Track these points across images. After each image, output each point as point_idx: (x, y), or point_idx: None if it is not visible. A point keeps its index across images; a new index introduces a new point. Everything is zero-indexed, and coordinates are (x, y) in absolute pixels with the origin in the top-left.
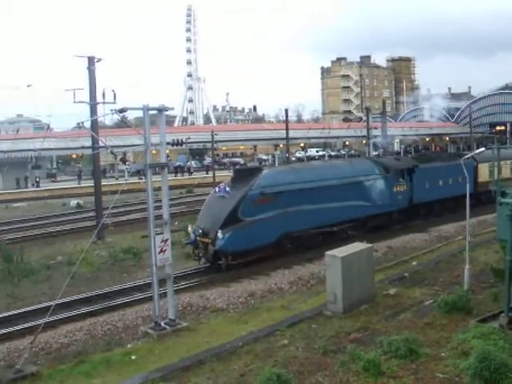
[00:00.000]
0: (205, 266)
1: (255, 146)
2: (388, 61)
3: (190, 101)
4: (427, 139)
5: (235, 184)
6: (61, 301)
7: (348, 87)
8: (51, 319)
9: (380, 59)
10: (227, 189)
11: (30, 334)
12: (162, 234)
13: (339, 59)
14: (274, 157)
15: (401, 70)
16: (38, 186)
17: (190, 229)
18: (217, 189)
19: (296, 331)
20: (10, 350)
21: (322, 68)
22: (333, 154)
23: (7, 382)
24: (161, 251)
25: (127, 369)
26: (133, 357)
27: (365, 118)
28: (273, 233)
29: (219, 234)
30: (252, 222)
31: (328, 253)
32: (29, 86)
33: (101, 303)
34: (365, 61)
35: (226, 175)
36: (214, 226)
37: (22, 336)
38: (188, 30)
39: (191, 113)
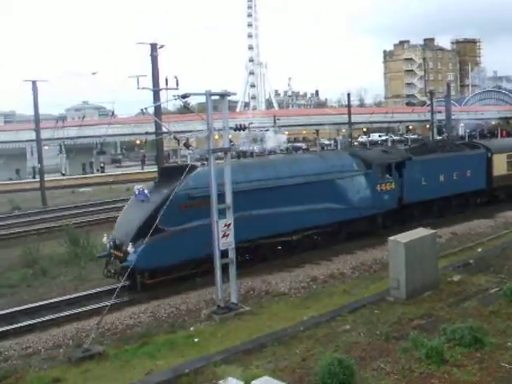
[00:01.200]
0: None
1: (317, 131)
2: (452, 43)
3: (252, 86)
4: (493, 123)
5: (159, 185)
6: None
7: (411, 71)
8: (117, 301)
9: (444, 42)
10: (146, 192)
11: (96, 315)
12: (225, 218)
13: (402, 42)
14: (336, 142)
15: (466, 52)
16: (102, 172)
17: (105, 239)
18: (136, 191)
19: (358, 316)
20: (78, 330)
21: (385, 51)
22: (396, 138)
23: (76, 360)
24: (224, 235)
25: (190, 351)
26: (195, 339)
27: (428, 102)
28: (207, 244)
29: (129, 248)
30: (177, 232)
31: (391, 238)
32: (94, 73)
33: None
34: (428, 43)
35: None
36: (127, 237)
37: (89, 317)
38: (249, 15)
39: (253, 98)
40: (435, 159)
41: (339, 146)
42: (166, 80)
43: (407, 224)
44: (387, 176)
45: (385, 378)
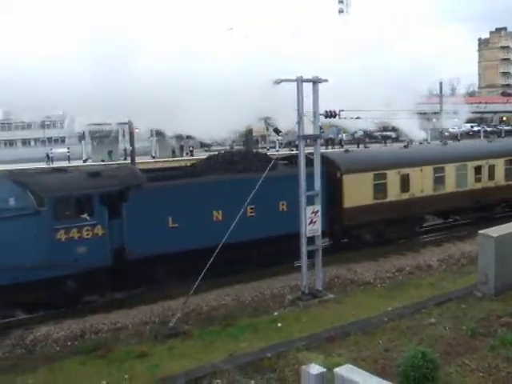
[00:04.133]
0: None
1: None
2: None
3: None
4: None
5: None
6: None
7: (508, 59)
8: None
9: None
10: None
11: (183, 296)
12: (313, 205)
13: (499, 29)
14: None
15: None
16: (191, 155)
17: None
18: None
19: (444, 310)
20: (164, 309)
21: (480, 39)
22: (489, 129)
23: (162, 336)
24: (311, 222)
25: (273, 335)
26: (279, 324)
27: None
28: None
29: None
30: None
31: (481, 232)
32: None
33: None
34: None
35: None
36: None
37: (175, 297)
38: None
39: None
40: (198, 185)
41: (429, 137)
42: None
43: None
44: (84, 216)
45: (469, 375)
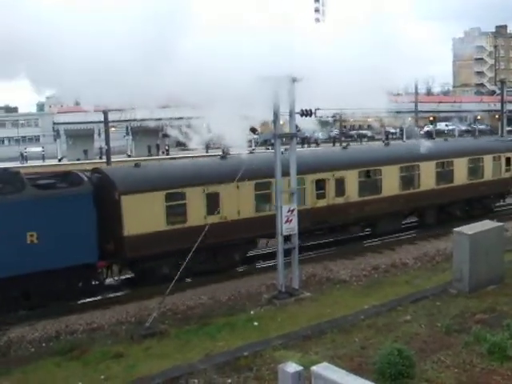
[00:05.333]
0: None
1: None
2: None
3: None
4: None
5: None
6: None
7: (481, 59)
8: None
9: None
10: None
11: (159, 296)
12: (289, 203)
13: (473, 29)
14: (402, 130)
15: None
16: (167, 154)
17: None
18: None
19: (419, 308)
20: (140, 309)
21: (454, 39)
22: (463, 128)
23: (138, 336)
24: (287, 221)
25: (249, 334)
26: (255, 323)
27: (498, 92)
28: None
29: None
30: None
31: (456, 229)
32: None
33: (225, 270)
34: (500, 31)
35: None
36: None
37: (151, 297)
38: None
39: None
40: None
41: (404, 136)
42: None
43: None
44: None
45: (445, 371)
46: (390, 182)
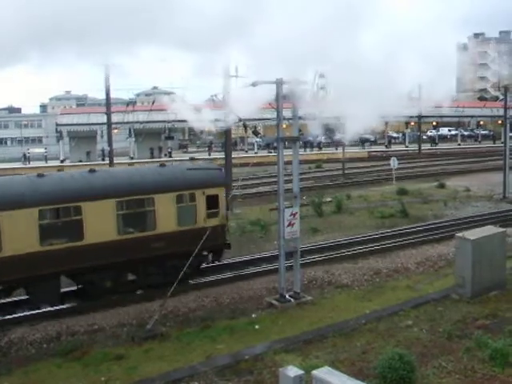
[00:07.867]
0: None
1: (386, 123)
2: None
3: (322, 76)
4: None
5: None
6: None
7: (485, 64)
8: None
9: None
10: None
11: (160, 298)
12: (292, 207)
13: (476, 35)
14: (404, 134)
15: None
16: (170, 156)
17: None
18: None
19: (421, 313)
20: (141, 311)
21: (458, 44)
22: (466, 133)
23: (139, 338)
24: (289, 224)
25: (250, 337)
26: (256, 326)
27: (501, 97)
28: None
29: None
30: None
31: (458, 235)
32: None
33: (228, 272)
34: (504, 37)
35: (355, 151)
36: None
37: (152, 299)
38: None
39: (322, 88)
40: None
41: (407, 140)
42: (236, 68)
43: None
44: None
45: (446, 377)
46: None
